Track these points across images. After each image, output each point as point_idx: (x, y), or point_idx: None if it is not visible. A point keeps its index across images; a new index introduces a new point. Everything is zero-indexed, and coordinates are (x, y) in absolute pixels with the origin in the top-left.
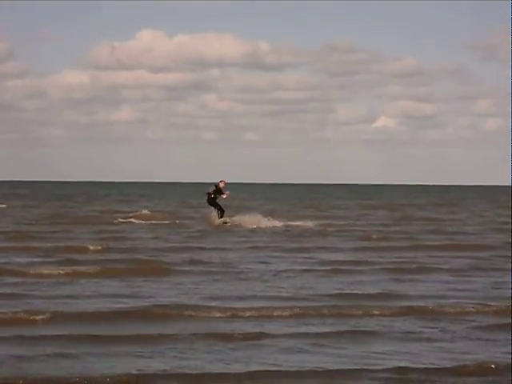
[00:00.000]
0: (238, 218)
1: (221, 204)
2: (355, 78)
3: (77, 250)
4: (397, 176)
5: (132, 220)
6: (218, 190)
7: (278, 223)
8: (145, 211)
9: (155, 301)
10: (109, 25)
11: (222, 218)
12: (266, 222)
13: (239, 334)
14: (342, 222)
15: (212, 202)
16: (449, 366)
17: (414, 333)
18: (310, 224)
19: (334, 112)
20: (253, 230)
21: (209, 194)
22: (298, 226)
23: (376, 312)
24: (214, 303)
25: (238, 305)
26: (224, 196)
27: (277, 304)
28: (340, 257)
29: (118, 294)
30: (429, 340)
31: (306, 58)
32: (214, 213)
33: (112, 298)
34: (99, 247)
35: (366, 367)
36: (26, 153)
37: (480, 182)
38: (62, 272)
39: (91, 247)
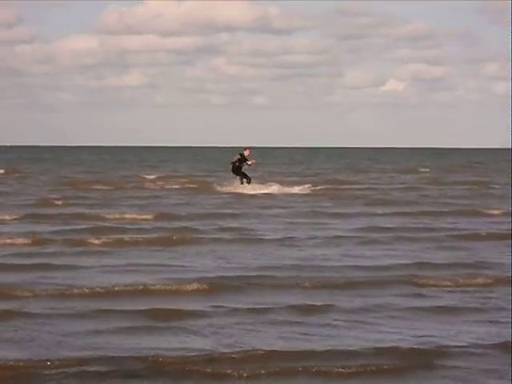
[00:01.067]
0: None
1: (246, 172)
2: (364, 41)
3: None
4: (406, 139)
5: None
6: (243, 159)
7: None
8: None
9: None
10: None
11: (249, 183)
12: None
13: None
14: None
15: (237, 170)
16: None
17: None
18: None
19: (343, 76)
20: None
21: (233, 163)
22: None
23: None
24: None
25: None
26: (249, 163)
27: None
28: (395, 222)
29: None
30: None
31: (316, 22)
32: (237, 180)
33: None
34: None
35: None
36: (34, 117)
37: (488, 145)
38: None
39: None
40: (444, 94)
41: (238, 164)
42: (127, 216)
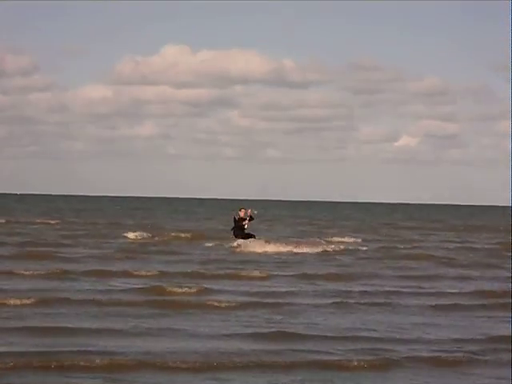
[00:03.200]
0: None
1: (248, 231)
2: (379, 96)
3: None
4: (418, 195)
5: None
6: (240, 220)
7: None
8: None
9: None
10: (133, 39)
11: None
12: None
13: None
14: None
15: (239, 233)
16: None
17: None
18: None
19: (356, 130)
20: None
21: (233, 229)
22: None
23: None
24: None
25: None
26: (245, 223)
27: None
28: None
29: None
30: None
31: (330, 76)
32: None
33: None
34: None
35: None
36: (46, 166)
37: (502, 203)
38: None
39: None
40: (457, 150)
41: (239, 226)
42: None
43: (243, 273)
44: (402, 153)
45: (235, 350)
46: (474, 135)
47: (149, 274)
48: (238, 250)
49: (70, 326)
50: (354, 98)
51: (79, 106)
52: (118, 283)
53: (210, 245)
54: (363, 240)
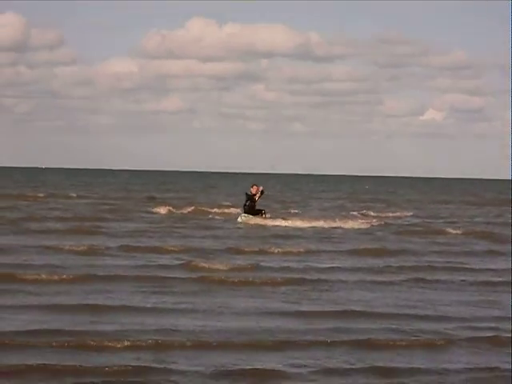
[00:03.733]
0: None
1: (260, 207)
2: (404, 70)
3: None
4: (442, 169)
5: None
6: (252, 197)
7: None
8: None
9: None
10: (159, 13)
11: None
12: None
13: None
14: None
15: (252, 210)
16: None
17: None
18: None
19: (382, 104)
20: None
21: (245, 205)
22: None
23: None
24: None
25: None
26: (257, 198)
27: None
28: None
29: None
30: None
31: (356, 50)
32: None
33: None
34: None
35: None
36: (72, 140)
37: None
38: None
39: None
40: (482, 124)
41: (250, 204)
42: None
43: (284, 248)
44: (428, 127)
45: (278, 328)
46: (500, 109)
47: (182, 249)
48: (272, 224)
49: (110, 303)
50: (380, 72)
51: (105, 80)
52: (155, 259)
53: (242, 219)
54: (402, 214)
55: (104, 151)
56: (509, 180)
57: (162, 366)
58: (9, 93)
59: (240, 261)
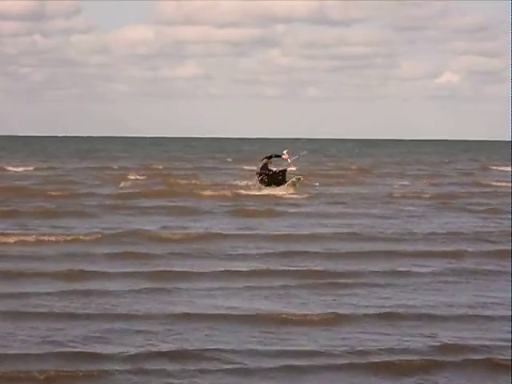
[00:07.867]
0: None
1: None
2: (421, 33)
3: None
4: (460, 132)
5: None
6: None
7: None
8: None
9: None
10: None
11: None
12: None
13: None
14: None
15: (275, 181)
16: None
17: None
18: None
19: (398, 68)
20: None
21: (262, 174)
22: None
23: None
24: None
25: None
26: (292, 168)
27: None
28: None
29: None
30: None
31: (373, 13)
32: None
33: None
34: None
35: None
36: (89, 108)
37: None
38: None
39: None
40: (499, 86)
41: (274, 173)
42: None
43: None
44: (444, 89)
45: None
46: None
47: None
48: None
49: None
50: (396, 36)
51: (121, 48)
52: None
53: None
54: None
55: (120, 118)
56: None
57: None
58: (25, 62)
59: None
